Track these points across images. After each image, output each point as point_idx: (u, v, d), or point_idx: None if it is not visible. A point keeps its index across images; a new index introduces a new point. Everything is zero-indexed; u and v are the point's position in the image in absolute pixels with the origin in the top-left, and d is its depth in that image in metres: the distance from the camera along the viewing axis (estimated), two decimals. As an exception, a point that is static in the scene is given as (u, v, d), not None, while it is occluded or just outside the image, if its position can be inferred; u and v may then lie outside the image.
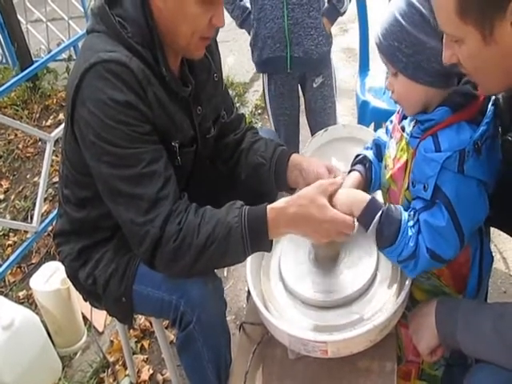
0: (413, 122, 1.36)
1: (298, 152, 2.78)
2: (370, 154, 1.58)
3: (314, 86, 2.67)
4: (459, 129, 1.23)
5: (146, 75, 1.36)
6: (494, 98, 1.28)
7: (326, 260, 1.51)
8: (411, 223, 1.30)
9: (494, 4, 1.01)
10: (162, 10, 1.38)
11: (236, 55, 2.63)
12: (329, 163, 1.64)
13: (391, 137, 1.48)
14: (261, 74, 2.77)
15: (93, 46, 1.39)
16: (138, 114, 1.34)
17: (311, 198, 1.35)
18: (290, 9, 2.40)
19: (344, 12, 2.53)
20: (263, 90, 2.77)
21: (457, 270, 1.43)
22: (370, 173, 1.55)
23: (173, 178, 1.40)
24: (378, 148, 1.57)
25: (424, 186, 1.26)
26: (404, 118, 1.42)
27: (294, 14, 2.42)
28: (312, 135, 2.76)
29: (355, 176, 1.52)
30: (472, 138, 1.21)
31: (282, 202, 1.38)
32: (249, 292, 1.51)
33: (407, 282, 1.38)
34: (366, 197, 1.36)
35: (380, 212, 1.31)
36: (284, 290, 1.50)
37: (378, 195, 1.56)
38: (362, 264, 1.47)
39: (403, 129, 1.39)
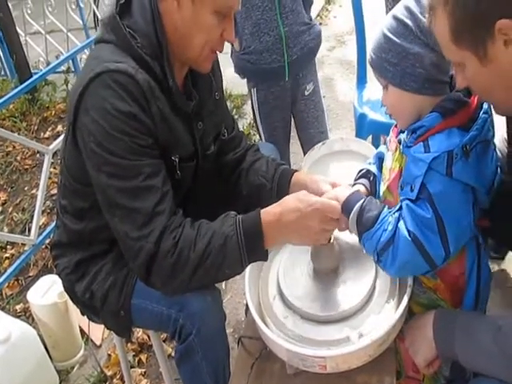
0: (409, 135, 1.37)
1: (290, 164, 2.82)
2: (373, 168, 1.58)
3: (306, 93, 2.66)
4: (450, 133, 1.24)
5: (151, 88, 1.37)
6: (486, 106, 1.29)
7: (325, 274, 1.50)
8: (394, 213, 1.31)
9: (481, 25, 1.05)
10: (176, 20, 1.40)
11: (233, 66, 2.63)
12: (332, 179, 1.63)
13: (388, 149, 1.49)
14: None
15: (100, 55, 1.39)
16: (141, 125, 1.35)
17: (294, 195, 1.42)
18: (284, 17, 2.38)
19: None
20: (252, 106, 2.72)
21: (452, 283, 1.42)
22: (374, 186, 1.55)
23: (170, 193, 1.40)
24: (381, 162, 1.58)
25: (411, 187, 1.27)
26: (401, 131, 1.43)
27: (288, 21, 2.40)
28: (303, 146, 2.82)
29: (360, 189, 1.52)
30: (461, 141, 1.22)
31: (271, 206, 1.41)
32: (247, 305, 1.51)
33: (406, 296, 1.37)
34: (352, 189, 1.44)
35: (363, 199, 1.37)
36: (282, 305, 1.50)
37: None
38: (361, 278, 1.47)
39: (400, 142, 1.40)
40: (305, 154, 2.74)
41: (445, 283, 1.42)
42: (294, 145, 2.99)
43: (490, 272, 1.50)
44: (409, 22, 1.24)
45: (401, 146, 1.38)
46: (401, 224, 1.28)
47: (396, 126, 1.47)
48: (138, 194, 1.34)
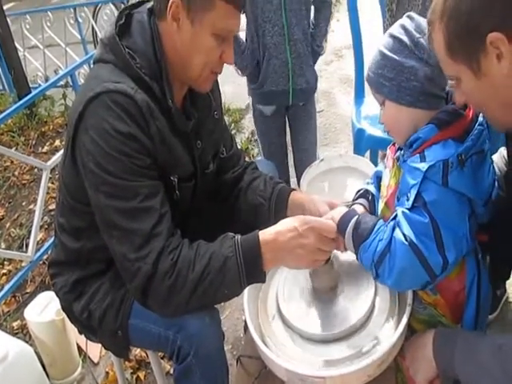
0: (406, 150, 1.38)
1: (289, 180, 2.89)
2: (371, 188, 1.58)
3: (300, 104, 2.72)
4: (445, 144, 1.26)
5: (150, 108, 1.37)
6: (481, 119, 1.31)
7: (324, 293, 1.50)
8: (389, 223, 1.32)
9: (474, 38, 1.07)
10: (175, 41, 1.41)
11: (232, 82, 2.66)
12: (329, 199, 1.63)
13: (386, 167, 1.50)
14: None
15: (99, 75, 1.40)
16: (140, 146, 1.35)
17: (293, 218, 1.42)
18: (292, 44, 2.48)
19: (323, 53, 2.72)
20: (255, 121, 2.83)
21: (452, 298, 1.41)
22: (372, 206, 1.55)
23: (168, 214, 1.40)
24: (379, 181, 1.58)
25: (407, 196, 1.27)
26: (399, 149, 1.44)
27: (296, 49, 2.50)
28: (295, 156, 2.87)
29: (357, 209, 1.52)
30: (457, 151, 1.23)
31: (270, 228, 1.41)
32: (246, 322, 1.50)
33: (405, 316, 1.37)
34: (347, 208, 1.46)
35: (357, 215, 1.39)
36: (282, 324, 1.49)
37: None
38: (360, 297, 1.46)
39: (398, 158, 1.41)
40: (295, 159, 2.90)
41: (445, 299, 1.41)
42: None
43: (490, 288, 1.49)
44: (404, 38, 1.29)
45: (398, 162, 1.39)
46: (396, 231, 1.28)
47: (394, 144, 1.47)
48: (136, 215, 1.34)
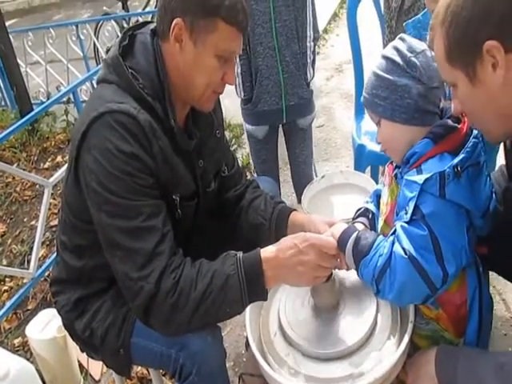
0: (403, 167, 1.39)
1: (280, 194, 2.89)
2: (371, 207, 1.60)
3: (296, 120, 2.75)
4: (441, 158, 1.28)
5: (152, 128, 1.38)
6: (476, 132, 1.32)
7: (326, 310, 1.50)
8: (389, 238, 1.33)
9: (471, 45, 1.09)
10: (178, 61, 1.43)
11: (233, 97, 2.67)
12: (329, 219, 1.64)
13: (384, 185, 1.52)
14: None
15: (102, 95, 1.41)
16: (143, 166, 1.36)
17: (293, 235, 1.44)
18: (285, 65, 2.51)
19: (318, 36, 2.71)
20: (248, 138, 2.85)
21: (454, 312, 1.41)
22: (373, 224, 1.55)
23: (170, 233, 1.40)
24: (379, 199, 1.59)
25: (405, 210, 1.28)
26: (397, 167, 1.45)
27: (288, 69, 2.52)
28: (293, 169, 2.91)
29: (359, 227, 1.52)
30: (452, 163, 1.25)
31: (271, 246, 1.42)
32: (248, 339, 1.50)
33: (407, 334, 1.37)
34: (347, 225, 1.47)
35: (357, 231, 1.40)
36: (284, 342, 1.49)
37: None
38: (362, 314, 1.46)
39: (396, 176, 1.42)
40: (292, 171, 2.95)
41: (447, 313, 1.41)
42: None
43: (492, 300, 1.50)
44: (396, 58, 1.33)
45: (396, 180, 1.41)
46: (396, 246, 1.28)
47: (392, 162, 1.48)
48: (138, 234, 1.35)
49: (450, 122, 1.32)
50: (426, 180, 1.23)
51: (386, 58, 1.35)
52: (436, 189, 1.23)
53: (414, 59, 1.30)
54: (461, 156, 1.26)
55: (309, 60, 2.59)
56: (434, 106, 1.34)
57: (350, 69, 4.35)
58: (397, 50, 1.34)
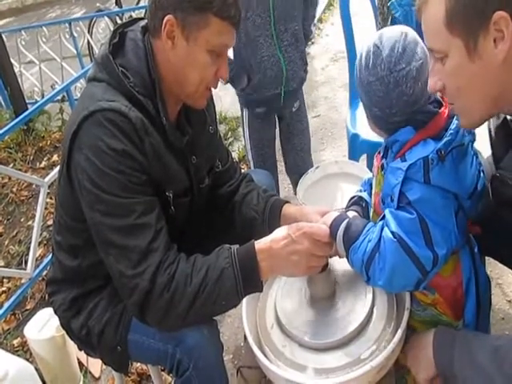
0: (387, 153, 1.40)
1: (279, 187, 2.91)
2: (364, 195, 1.59)
3: (293, 110, 2.74)
4: (424, 144, 1.27)
5: (144, 125, 1.37)
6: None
7: (322, 300, 1.50)
8: (378, 224, 1.33)
9: (478, 13, 1.03)
10: (170, 58, 1.42)
11: (228, 90, 2.66)
12: (320, 208, 1.63)
13: (373, 175, 1.52)
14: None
15: (93, 94, 1.40)
16: (135, 163, 1.35)
17: (286, 226, 1.42)
18: (284, 50, 2.48)
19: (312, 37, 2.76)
20: (242, 126, 2.80)
21: (450, 295, 1.41)
22: (366, 212, 1.55)
23: (164, 230, 1.39)
24: (371, 188, 1.58)
25: (391, 198, 1.28)
26: (383, 157, 1.44)
27: (287, 54, 2.50)
28: (286, 156, 2.89)
29: (351, 214, 1.52)
30: (436, 147, 1.24)
31: (265, 237, 1.41)
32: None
33: (403, 321, 1.37)
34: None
35: (348, 218, 1.40)
36: (280, 333, 1.48)
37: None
38: (358, 303, 1.45)
39: (382, 167, 1.41)
40: (287, 164, 2.92)
41: (443, 297, 1.41)
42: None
43: (489, 280, 1.49)
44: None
45: (382, 171, 1.40)
46: (385, 230, 1.28)
47: (379, 152, 1.47)
48: (131, 232, 1.34)
49: (431, 107, 1.31)
50: (410, 166, 1.23)
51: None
52: (421, 175, 1.23)
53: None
54: (444, 139, 1.25)
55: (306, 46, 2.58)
56: None
57: (345, 58, 4.33)
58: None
